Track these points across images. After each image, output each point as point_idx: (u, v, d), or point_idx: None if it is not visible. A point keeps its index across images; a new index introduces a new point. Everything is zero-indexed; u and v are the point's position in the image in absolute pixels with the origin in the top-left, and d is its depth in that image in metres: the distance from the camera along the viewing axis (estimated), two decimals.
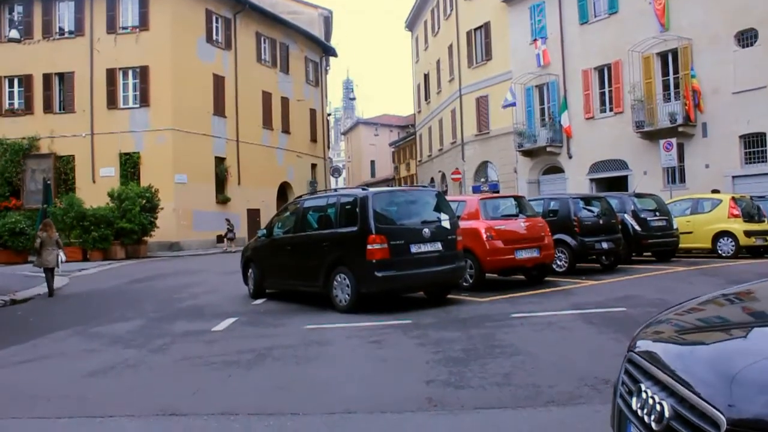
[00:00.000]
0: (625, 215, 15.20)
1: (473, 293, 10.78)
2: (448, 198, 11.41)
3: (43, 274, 14.54)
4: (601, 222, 13.65)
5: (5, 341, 8.44)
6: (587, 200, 14.29)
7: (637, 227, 15.14)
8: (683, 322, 2.90)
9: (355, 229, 9.14)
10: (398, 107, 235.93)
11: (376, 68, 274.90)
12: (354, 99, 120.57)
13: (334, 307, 9.55)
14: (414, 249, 9.11)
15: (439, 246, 9.36)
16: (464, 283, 10.84)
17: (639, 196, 16.60)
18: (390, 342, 7.19)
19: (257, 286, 11.59)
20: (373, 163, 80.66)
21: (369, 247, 8.80)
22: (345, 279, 9.25)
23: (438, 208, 9.83)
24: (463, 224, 10.62)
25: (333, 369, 6.10)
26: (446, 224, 9.56)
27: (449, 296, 10.41)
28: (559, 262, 13.16)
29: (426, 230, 9.29)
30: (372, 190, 9.54)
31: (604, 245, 13.39)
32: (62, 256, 14.89)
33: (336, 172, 48.95)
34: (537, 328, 7.61)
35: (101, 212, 26.11)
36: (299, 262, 10.38)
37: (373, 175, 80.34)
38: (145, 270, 20.83)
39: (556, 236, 12.77)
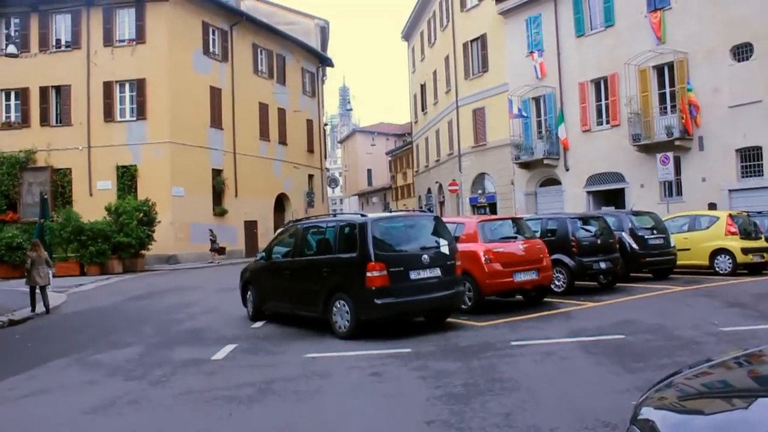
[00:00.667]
0: (623, 233, 15.23)
1: (472, 316, 10.78)
2: (446, 220, 11.43)
3: (37, 292, 14.61)
4: (598, 242, 13.68)
5: (3, 371, 8.42)
6: (585, 220, 14.31)
7: (634, 246, 15.17)
8: (689, 387, 2.91)
9: (354, 255, 9.15)
10: (395, 115, 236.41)
11: (372, 76, 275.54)
12: (351, 110, 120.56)
13: (333, 332, 9.54)
14: (413, 275, 9.12)
15: (438, 272, 9.36)
16: (463, 306, 10.83)
17: (636, 213, 16.65)
18: (390, 375, 7.18)
19: (256, 309, 11.59)
20: (369, 171, 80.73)
21: (368, 274, 8.81)
22: (344, 305, 9.25)
23: (437, 233, 9.83)
24: (461, 247, 10.63)
25: (333, 407, 6.09)
26: (445, 249, 9.57)
27: (449, 320, 10.41)
28: (557, 282, 13.18)
29: (425, 256, 9.29)
30: (371, 216, 9.55)
31: (602, 265, 13.42)
32: (51, 274, 15.24)
33: (333, 182, 48.98)
34: (537, 358, 7.61)
35: (98, 226, 26.10)
36: (298, 286, 10.38)
37: (369, 183, 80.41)
38: (143, 286, 20.80)
39: (554, 256, 12.79)
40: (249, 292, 11.87)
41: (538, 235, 13.65)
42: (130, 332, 11.22)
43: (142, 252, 28.04)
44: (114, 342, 10.31)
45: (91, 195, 30.70)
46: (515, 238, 11.85)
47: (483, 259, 10.96)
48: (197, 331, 11.00)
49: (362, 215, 9.72)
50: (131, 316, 13.49)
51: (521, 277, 11.24)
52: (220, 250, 31.45)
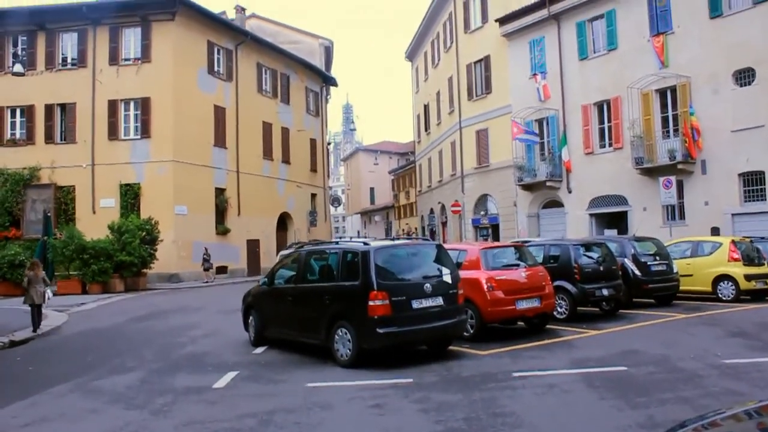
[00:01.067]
0: (625, 260, 15.22)
1: (474, 344, 10.76)
2: (448, 246, 11.45)
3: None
4: (601, 268, 13.67)
5: (5, 396, 8.42)
6: (587, 246, 14.33)
7: (637, 272, 15.15)
8: None
9: (356, 283, 9.16)
10: (398, 133, 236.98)
11: (376, 94, 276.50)
12: (354, 130, 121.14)
13: (335, 360, 9.53)
14: (415, 305, 9.12)
15: (440, 301, 9.36)
16: (465, 333, 10.81)
17: (639, 239, 16.65)
18: (392, 407, 7.16)
19: (258, 334, 11.58)
20: (372, 190, 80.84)
21: (371, 303, 8.81)
22: (346, 333, 9.24)
23: (439, 261, 9.84)
24: (463, 274, 10.63)
25: None
26: (447, 278, 9.57)
27: (451, 348, 10.39)
28: (559, 309, 13.17)
29: (427, 285, 9.30)
30: (374, 244, 9.57)
31: (605, 292, 13.41)
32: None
33: (336, 201, 49.08)
34: (539, 391, 7.58)
35: (101, 245, 26.11)
36: (300, 313, 10.39)
37: (372, 202, 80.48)
38: (144, 306, 20.80)
39: (557, 283, 12.79)
40: (251, 317, 11.86)
41: (540, 260, 13.67)
42: (132, 356, 11.22)
43: (144, 271, 28.04)
44: (115, 366, 10.30)
45: (94, 213, 30.78)
46: (517, 265, 11.85)
47: (485, 286, 10.96)
48: (199, 356, 10.99)
49: (365, 243, 9.74)
50: (132, 339, 13.47)
51: (523, 305, 11.23)
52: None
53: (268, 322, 11.37)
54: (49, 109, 31.75)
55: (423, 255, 10.02)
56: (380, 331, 8.83)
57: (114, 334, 14.61)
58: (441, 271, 9.64)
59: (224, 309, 18.24)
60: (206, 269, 30.65)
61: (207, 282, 30.17)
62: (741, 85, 23.28)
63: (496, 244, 13.40)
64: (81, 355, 11.62)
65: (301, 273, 10.70)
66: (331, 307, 9.60)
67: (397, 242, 10.19)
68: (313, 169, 44.23)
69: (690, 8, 24.66)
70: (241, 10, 41.07)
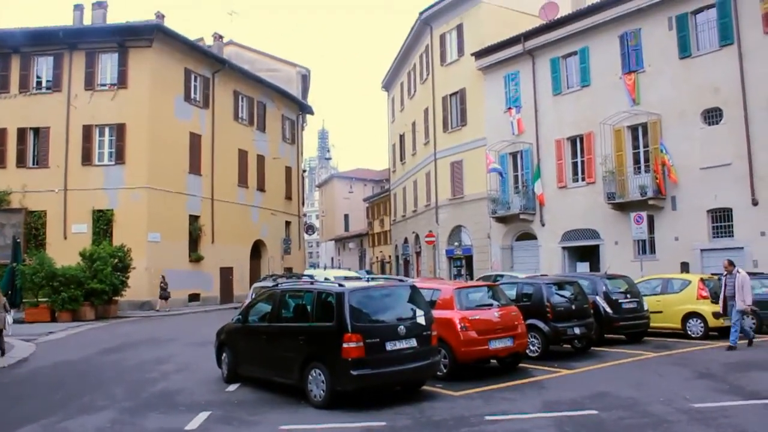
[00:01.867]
0: (597, 297, 15.42)
1: (447, 384, 10.79)
2: (422, 285, 11.53)
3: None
4: (573, 307, 13.83)
5: None
6: (560, 285, 14.49)
7: (608, 310, 15.36)
8: None
9: (331, 324, 9.18)
10: (374, 160, 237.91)
11: (352, 121, 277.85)
12: (330, 159, 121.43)
13: (308, 400, 9.50)
14: (389, 346, 9.15)
15: (414, 342, 9.41)
16: (438, 372, 10.84)
17: (611, 277, 16.90)
18: None
19: (231, 371, 11.51)
20: (347, 217, 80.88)
21: (345, 345, 8.83)
22: (320, 375, 9.23)
23: (413, 303, 9.90)
24: (437, 313, 10.71)
25: None
26: (421, 320, 9.63)
27: (424, 388, 10.42)
28: (532, 347, 13.27)
29: (401, 327, 9.34)
30: (348, 286, 9.61)
31: (577, 330, 13.55)
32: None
33: (310, 229, 49.05)
34: None
35: (72, 272, 25.73)
36: (274, 352, 10.37)
37: (346, 229, 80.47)
38: (115, 336, 20.55)
39: (529, 321, 12.92)
40: (224, 354, 11.79)
41: (513, 298, 13.82)
42: (102, 393, 11.06)
43: (116, 298, 27.71)
44: (84, 405, 10.14)
45: (65, 238, 30.43)
46: (491, 305, 11.94)
47: (459, 327, 11.04)
48: (170, 394, 10.87)
49: (340, 284, 9.78)
50: (103, 374, 13.28)
51: (496, 345, 11.32)
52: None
53: (241, 360, 11.31)
54: (21, 132, 31.45)
55: (397, 296, 10.07)
56: (354, 373, 8.84)
57: (84, 367, 14.39)
58: (415, 313, 9.70)
59: (196, 340, 18.08)
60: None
61: (161, 310, 29.43)
62: (709, 124, 23.81)
63: (470, 283, 13.51)
64: (49, 392, 11.43)
65: (276, 311, 10.69)
66: (305, 348, 9.60)
67: (371, 283, 10.23)
68: (288, 197, 44.21)
69: (660, 48, 25.28)
70: (219, 37, 41.21)
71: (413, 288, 10.29)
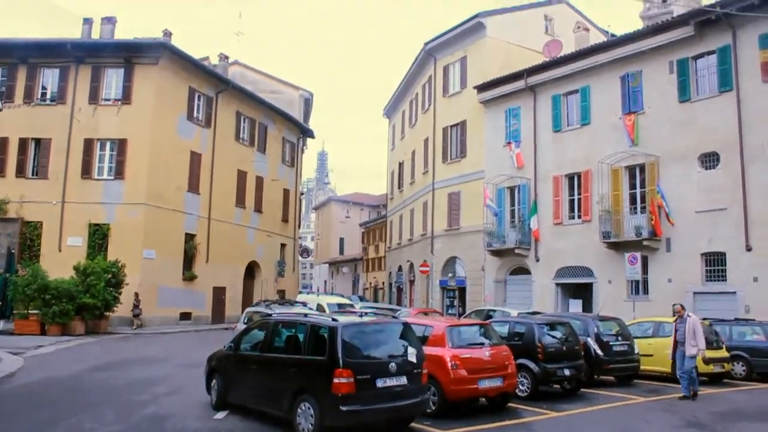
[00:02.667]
0: (588, 339, 15.47)
1: (436, 421, 10.78)
2: (415, 321, 11.58)
3: None
4: (564, 348, 13.88)
5: None
6: (552, 325, 14.54)
7: (599, 352, 15.41)
8: None
9: (322, 359, 9.20)
10: (372, 185, 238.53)
11: (351, 145, 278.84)
12: (328, 183, 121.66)
13: None
14: (380, 383, 9.17)
15: (404, 380, 9.43)
16: (428, 410, 10.84)
17: (602, 319, 16.95)
18: None
19: (220, 398, 11.49)
20: (342, 240, 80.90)
21: (335, 380, 8.85)
22: (309, 408, 9.23)
23: (405, 341, 9.94)
24: (428, 350, 10.76)
25: None
26: (412, 358, 9.67)
27: (412, 425, 10.42)
28: (521, 387, 13.29)
29: (392, 364, 9.37)
30: (342, 321, 9.64)
31: (567, 372, 13.59)
32: None
33: (305, 252, 49.02)
34: None
35: (65, 285, 25.55)
36: (264, 383, 10.39)
37: (341, 252, 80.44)
38: (105, 353, 20.49)
39: (520, 361, 12.96)
40: (214, 381, 11.78)
41: (505, 335, 13.88)
42: (90, 415, 11.03)
43: (107, 314, 27.60)
44: (72, 427, 10.10)
45: (60, 250, 30.37)
46: (482, 344, 11.99)
47: (449, 365, 11.07)
48: (160, 419, 10.84)
49: (333, 319, 9.81)
50: (91, 393, 13.23)
51: (486, 384, 11.35)
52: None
53: (231, 388, 11.30)
54: (23, 142, 31.50)
55: (389, 333, 10.12)
56: (343, 408, 8.84)
57: (73, 385, 14.32)
58: (406, 350, 9.73)
59: (187, 362, 18.02)
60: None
61: (134, 328, 29.04)
62: (706, 168, 24.03)
63: (462, 322, 13.52)
64: (35, 411, 11.37)
65: (268, 341, 10.72)
66: (295, 380, 9.61)
67: (364, 319, 10.25)
68: (285, 219, 44.28)
69: (661, 91, 25.59)
70: (224, 57, 41.53)
71: (405, 325, 10.34)
